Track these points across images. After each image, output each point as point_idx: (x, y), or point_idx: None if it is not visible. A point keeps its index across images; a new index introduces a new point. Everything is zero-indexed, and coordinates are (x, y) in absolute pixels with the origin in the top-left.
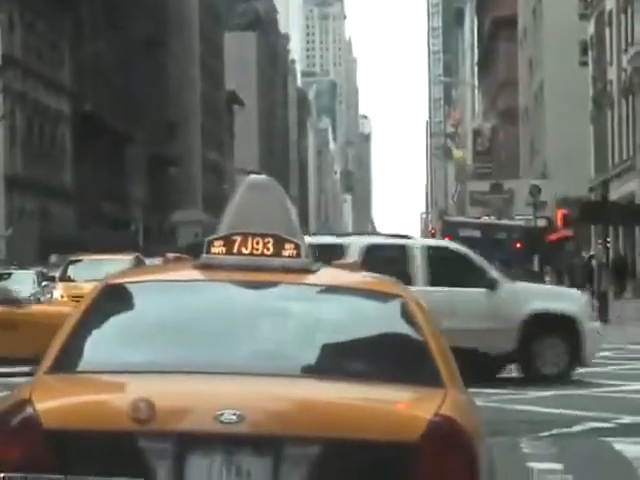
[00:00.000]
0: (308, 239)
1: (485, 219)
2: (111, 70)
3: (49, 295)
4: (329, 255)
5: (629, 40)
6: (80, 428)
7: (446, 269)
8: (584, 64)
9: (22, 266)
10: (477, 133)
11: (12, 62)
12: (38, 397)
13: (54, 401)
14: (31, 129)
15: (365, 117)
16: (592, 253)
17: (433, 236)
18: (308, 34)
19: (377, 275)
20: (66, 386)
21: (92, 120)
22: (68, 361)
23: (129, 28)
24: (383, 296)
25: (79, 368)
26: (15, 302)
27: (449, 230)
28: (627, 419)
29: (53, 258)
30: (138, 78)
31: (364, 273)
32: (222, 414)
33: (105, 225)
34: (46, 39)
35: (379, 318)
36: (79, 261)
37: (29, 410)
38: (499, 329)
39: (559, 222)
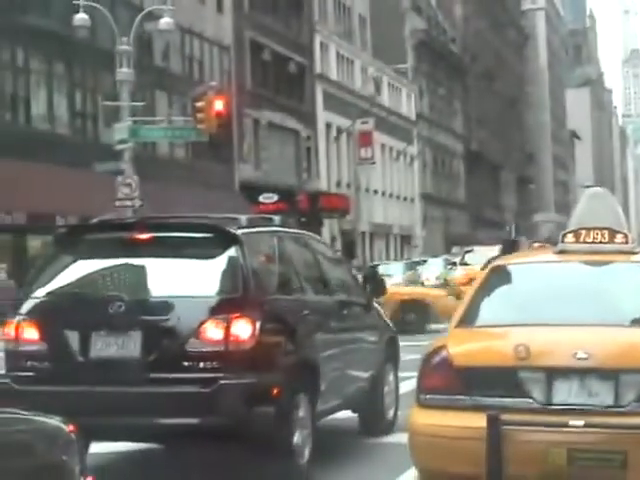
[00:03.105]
0: None
1: None
2: (488, 120)
3: (454, 274)
4: None
5: None
6: (479, 365)
7: None
8: None
9: (434, 255)
10: None
11: (422, 118)
12: (451, 343)
13: (462, 346)
14: (436, 162)
15: None
16: None
17: None
18: (626, 88)
19: None
20: (469, 336)
21: (477, 155)
22: (470, 319)
23: (498, 89)
24: None
25: (478, 324)
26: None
27: None
28: None
29: (454, 249)
30: (505, 126)
31: None
32: (577, 353)
33: (487, 226)
34: (444, 99)
35: None
36: (471, 251)
37: (445, 353)
38: None
39: None
